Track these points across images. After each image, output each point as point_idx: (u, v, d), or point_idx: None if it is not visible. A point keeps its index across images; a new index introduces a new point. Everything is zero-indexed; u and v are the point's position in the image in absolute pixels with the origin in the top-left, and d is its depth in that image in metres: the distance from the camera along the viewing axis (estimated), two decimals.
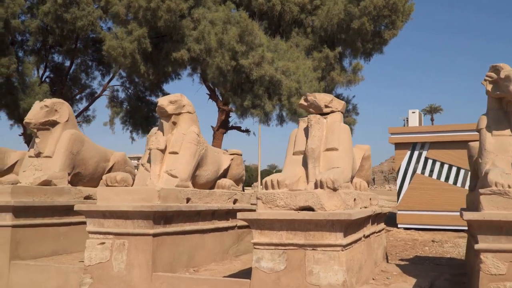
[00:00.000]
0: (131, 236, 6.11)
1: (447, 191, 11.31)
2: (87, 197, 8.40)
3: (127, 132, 18.87)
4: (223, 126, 16.25)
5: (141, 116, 18.68)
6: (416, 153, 11.79)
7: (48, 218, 7.54)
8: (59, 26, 15.72)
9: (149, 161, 7.25)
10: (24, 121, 8.01)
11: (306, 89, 11.98)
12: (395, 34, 13.30)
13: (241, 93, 12.65)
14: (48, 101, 8.26)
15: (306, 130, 6.47)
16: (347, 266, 5.16)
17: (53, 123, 8.23)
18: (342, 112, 6.61)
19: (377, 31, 13.28)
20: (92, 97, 19.98)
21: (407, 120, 13.30)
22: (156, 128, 9.92)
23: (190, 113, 7.47)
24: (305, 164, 6.16)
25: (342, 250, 5.17)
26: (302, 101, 6.63)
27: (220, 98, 15.98)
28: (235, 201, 8.28)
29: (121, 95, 19.80)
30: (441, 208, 11.22)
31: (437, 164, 11.54)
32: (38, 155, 8.12)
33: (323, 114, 6.45)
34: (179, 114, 7.33)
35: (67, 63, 19.32)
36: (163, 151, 7.12)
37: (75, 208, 6.47)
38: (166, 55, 13.40)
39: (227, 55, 11.56)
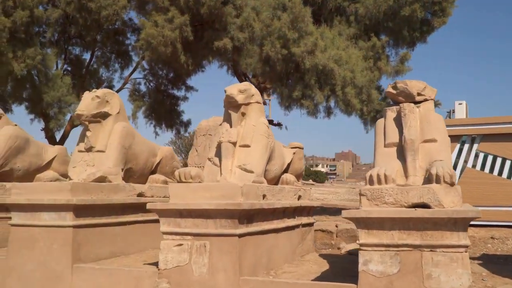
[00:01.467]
0: (213, 237, 5.58)
1: (502, 186, 10.84)
2: (140, 195, 7.85)
3: (150, 127, 18.32)
4: None
5: (165, 110, 18.08)
6: (466, 146, 11.30)
7: (106, 218, 6.99)
8: (82, 16, 15.08)
9: (217, 155, 6.71)
10: (75, 113, 7.43)
11: (361, 79, 11.43)
12: (444, 22, 12.72)
13: (288, 84, 12.06)
14: (99, 92, 7.69)
15: (396, 120, 5.97)
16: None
17: (104, 115, 7.66)
18: (434, 101, 6.10)
19: (425, 18, 12.74)
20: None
21: (452, 112, 12.78)
22: (206, 120, 9.42)
23: (258, 103, 6.93)
24: (400, 157, 5.65)
25: (466, 251, 4.67)
26: (389, 89, 6.11)
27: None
28: (299, 198, 7.76)
29: (142, 88, 19.25)
30: (496, 203, 10.74)
31: (490, 158, 11.06)
32: (89, 149, 7.56)
33: (415, 103, 5.93)
34: (248, 104, 6.78)
35: (85, 56, 18.79)
36: (234, 144, 6.56)
37: (148, 206, 5.93)
38: (207, 44, 12.78)
39: (278, 43, 10.98)
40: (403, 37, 12.93)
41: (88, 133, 7.55)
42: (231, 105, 6.73)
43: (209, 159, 6.81)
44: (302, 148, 8.20)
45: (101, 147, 7.54)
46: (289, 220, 7.21)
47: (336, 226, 10.57)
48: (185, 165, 10.75)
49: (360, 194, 5.07)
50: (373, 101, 12.07)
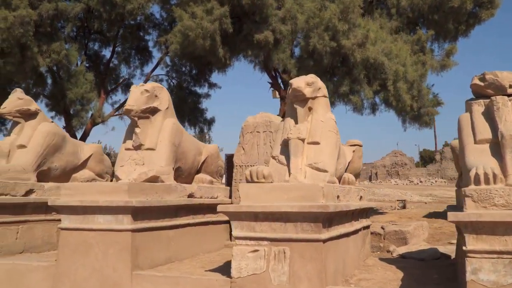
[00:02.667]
0: (294, 242, 5.10)
1: None
2: (190, 195, 7.37)
3: None
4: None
5: (189, 107, 17.54)
6: None
7: (161, 220, 6.51)
8: (106, 9, 14.56)
9: (282, 152, 6.22)
10: (125, 108, 6.94)
11: (412, 73, 10.91)
12: (492, 14, 12.20)
13: (333, 79, 11.51)
14: (148, 85, 7.20)
15: (486, 115, 5.51)
16: None
17: (154, 111, 7.18)
18: None
19: (472, 11, 12.21)
20: (117, 87, 18.68)
21: None
22: (253, 117, 8.92)
23: (325, 96, 6.44)
24: (496, 154, 5.17)
25: None
26: (476, 81, 5.65)
27: (282, 87, 14.91)
28: (360, 198, 7.29)
29: (164, 85, 18.59)
30: None
31: None
32: (138, 147, 7.08)
33: (507, 96, 5.47)
34: (315, 98, 6.28)
35: (103, 52, 18.19)
36: (303, 141, 6.07)
37: (219, 209, 5.44)
38: (245, 37, 12.23)
39: (326, 35, 10.43)
40: (448, 30, 12.42)
41: (137, 130, 7.06)
42: (298, 99, 6.23)
43: (273, 157, 6.31)
44: (361, 146, 7.71)
45: (151, 144, 7.05)
46: (356, 223, 6.74)
47: (383, 228, 10.10)
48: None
49: (465, 196, 4.59)
50: (423, 97, 11.58)
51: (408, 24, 12.49)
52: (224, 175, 9.91)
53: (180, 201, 6.88)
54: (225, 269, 5.74)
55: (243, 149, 8.59)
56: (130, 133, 7.23)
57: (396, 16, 12.23)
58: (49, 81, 15.47)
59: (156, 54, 18.10)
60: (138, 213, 5.98)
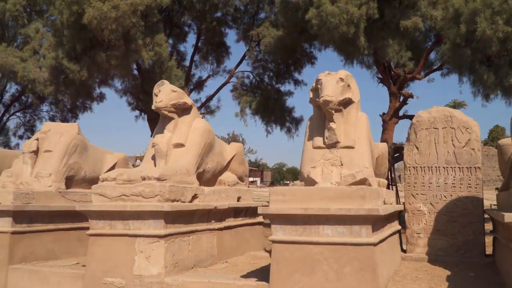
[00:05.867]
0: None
1: None
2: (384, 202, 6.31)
3: (260, 124, 16.67)
4: (396, 114, 14.09)
5: (279, 105, 16.48)
6: None
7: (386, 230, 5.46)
8: (200, 1, 13.57)
9: None
10: (323, 99, 5.91)
11: None
12: None
13: (491, 68, 10.37)
14: (342, 73, 6.17)
15: None
16: None
17: (347, 103, 6.17)
18: None
19: None
20: (202, 84, 17.64)
21: None
22: (426, 111, 7.85)
23: None
24: None
25: None
26: None
27: (392, 82, 13.87)
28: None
29: (246, 81, 17.67)
30: None
31: None
32: (333, 145, 6.07)
33: None
34: None
35: (180, 46, 17.10)
36: None
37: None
38: (386, 24, 11.13)
39: (500, 19, 9.32)
40: None
41: (332, 125, 6.05)
42: None
43: None
44: None
45: (348, 142, 6.04)
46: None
47: None
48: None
49: None
50: None
51: None
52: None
53: (388, 209, 5.84)
54: None
55: (417, 148, 7.53)
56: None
57: None
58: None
59: (236, 50, 17.11)
60: (375, 223, 4.96)
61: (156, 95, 7.16)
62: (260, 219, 8.69)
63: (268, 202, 5.43)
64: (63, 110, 19.62)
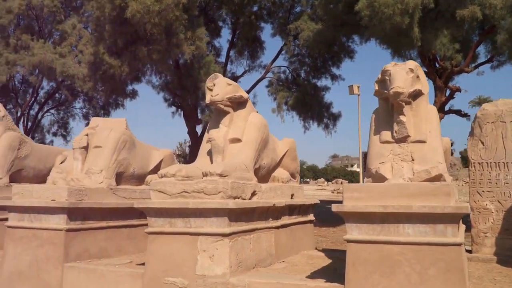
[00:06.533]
0: None
1: None
2: None
3: (297, 120, 16.35)
4: (442, 109, 13.63)
5: (316, 101, 16.18)
6: None
7: None
8: None
9: None
10: (393, 90, 5.59)
11: None
12: None
13: None
14: (412, 64, 5.85)
15: None
16: None
17: (417, 95, 5.85)
18: None
19: None
20: (237, 80, 17.32)
21: None
22: (492, 104, 7.49)
23: None
24: None
25: None
26: None
27: (437, 75, 13.40)
28: None
29: (282, 76, 17.36)
30: None
31: None
32: (402, 139, 5.74)
33: None
34: None
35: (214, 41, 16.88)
36: None
37: None
38: (440, 14, 10.69)
39: None
40: None
41: (402, 118, 5.73)
42: None
43: None
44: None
45: (420, 136, 5.72)
46: None
47: None
48: None
49: None
50: None
51: None
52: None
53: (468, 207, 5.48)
54: None
55: (482, 142, 7.15)
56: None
57: None
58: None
59: (270, 45, 16.86)
60: (459, 222, 4.64)
61: (209, 89, 6.96)
62: (311, 217, 8.42)
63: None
64: (96, 107, 19.63)
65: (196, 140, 15.24)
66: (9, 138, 8.73)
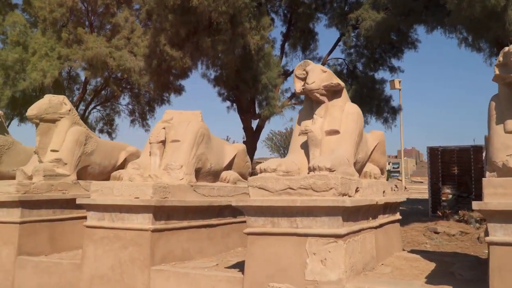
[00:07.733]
0: None
1: None
2: None
3: None
4: None
5: (376, 95, 15.45)
6: None
7: None
8: None
9: None
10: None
11: None
12: None
13: None
14: None
15: None
16: None
17: None
18: None
19: None
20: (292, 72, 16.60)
21: None
22: None
23: None
24: None
25: None
26: None
27: None
28: None
29: (338, 68, 16.70)
30: None
31: None
32: None
33: None
34: None
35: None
36: None
37: None
38: None
39: None
40: None
41: None
42: None
43: None
44: None
45: None
46: None
47: None
48: None
49: None
50: None
51: None
52: None
53: None
54: None
55: None
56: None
57: None
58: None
59: (323, 37, 16.21)
60: None
61: (298, 77, 6.43)
62: (398, 216, 7.80)
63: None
64: (141, 103, 19.30)
65: (252, 135, 14.71)
66: (76, 133, 8.36)
